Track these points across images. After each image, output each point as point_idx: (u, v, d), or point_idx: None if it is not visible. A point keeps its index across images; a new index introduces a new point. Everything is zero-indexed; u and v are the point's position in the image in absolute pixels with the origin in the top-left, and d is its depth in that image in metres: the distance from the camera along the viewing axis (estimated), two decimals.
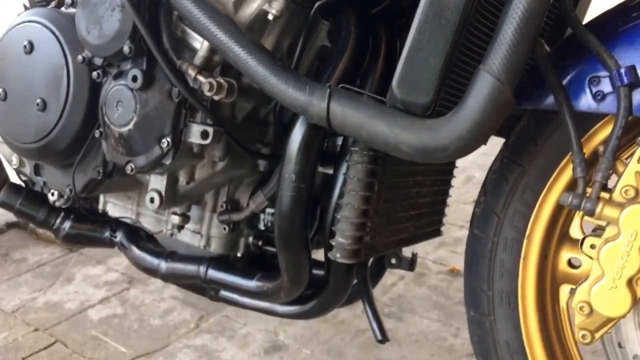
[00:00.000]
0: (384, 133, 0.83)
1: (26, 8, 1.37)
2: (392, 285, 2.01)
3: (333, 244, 1.03)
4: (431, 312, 1.85)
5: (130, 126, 1.07)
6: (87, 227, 1.52)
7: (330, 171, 1.14)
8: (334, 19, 1.12)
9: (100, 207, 1.43)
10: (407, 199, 1.17)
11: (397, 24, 1.14)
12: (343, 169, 1.06)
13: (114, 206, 1.43)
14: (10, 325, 1.78)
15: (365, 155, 1.00)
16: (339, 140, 1.24)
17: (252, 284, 1.26)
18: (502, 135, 1.32)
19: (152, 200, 1.16)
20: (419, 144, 0.82)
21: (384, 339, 1.09)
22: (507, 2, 0.77)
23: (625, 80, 0.84)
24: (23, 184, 1.55)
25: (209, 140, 1.05)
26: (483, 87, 0.78)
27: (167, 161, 1.07)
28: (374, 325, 1.11)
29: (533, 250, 1.02)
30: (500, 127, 1.33)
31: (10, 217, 2.48)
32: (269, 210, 1.27)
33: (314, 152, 1.01)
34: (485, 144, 0.85)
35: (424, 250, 2.26)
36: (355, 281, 1.25)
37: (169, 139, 1.05)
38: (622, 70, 0.84)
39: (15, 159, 1.47)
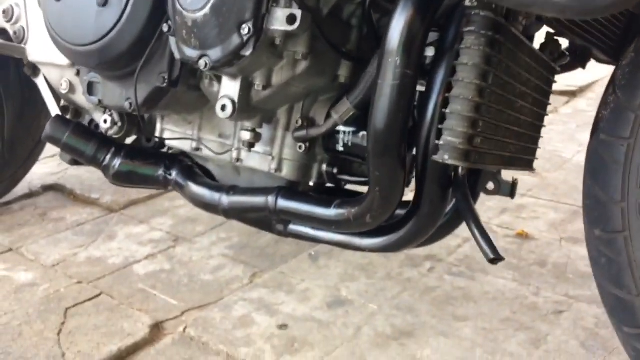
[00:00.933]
0: None
1: None
2: (457, 246, 1.85)
3: (440, 143, 0.89)
4: (505, 272, 1.69)
5: (207, 10, 0.94)
6: (139, 163, 1.40)
7: (421, 88, 1.00)
8: None
9: (157, 135, 1.31)
10: (513, 110, 1.02)
11: None
12: (445, 64, 0.92)
13: (172, 134, 1.30)
14: (51, 278, 1.66)
15: (482, 37, 0.85)
16: (428, 51, 1.10)
17: (330, 212, 1.12)
18: (612, 59, 1.18)
19: (223, 108, 1.03)
20: None
21: (496, 257, 0.94)
22: None
23: None
24: None
25: (296, 26, 0.91)
26: None
27: (247, 52, 0.94)
28: (483, 244, 0.96)
29: None
30: (608, 48, 1.18)
31: (46, 180, 2.38)
32: (348, 129, 1.14)
33: (422, 32, 0.87)
34: None
35: (486, 215, 2.10)
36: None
37: (250, 25, 0.92)
38: None
39: (65, 83, 1.36)
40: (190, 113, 1.24)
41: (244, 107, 1.04)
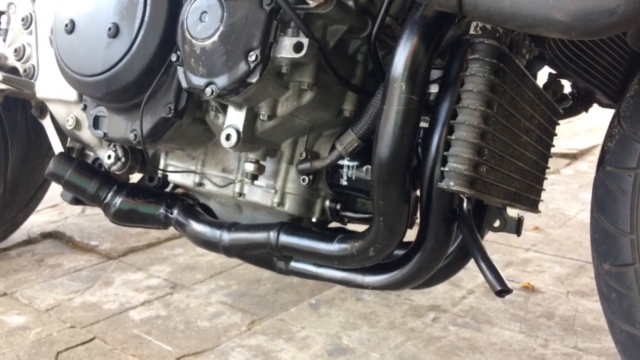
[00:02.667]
0: (532, 0, 0.70)
1: None
2: (462, 298, 1.81)
3: (445, 169, 0.88)
4: (512, 324, 1.64)
5: (215, 38, 0.95)
6: (140, 202, 1.39)
7: (424, 124, 1.00)
8: None
9: (161, 167, 1.30)
10: (518, 144, 1.02)
11: None
12: (450, 93, 0.93)
13: (175, 169, 1.29)
14: (44, 322, 1.62)
15: (486, 64, 0.86)
16: (432, 88, 1.11)
17: (332, 247, 1.10)
18: (614, 102, 1.19)
19: (228, 137, 1.03)
20: (578, 8, 0.68)
21: (503, 289, 0.91)
22: None
23: None
24: None
25: (302, 53, 0.92)
26: None
27: (254, 79, 0.94)
28: (490, 276, 0.93)
29: None
30: (611, 90, 1.19)
31: (45, 227, 2.36)
32: (352, 163, 1.13)
33: (427, 59, 0.88)
34: None
35: None
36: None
37: (257, 52, 0.93)
38: None
39: (71, 119, 1.37)
40: (195, 148, 1.24)
41: (249, 137, 1.04)
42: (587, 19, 0.68)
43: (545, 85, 1.17)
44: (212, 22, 0.95)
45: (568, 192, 3.08)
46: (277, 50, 0.94)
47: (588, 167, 3.75)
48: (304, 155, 1.12)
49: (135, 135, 1.13)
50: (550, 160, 1.19)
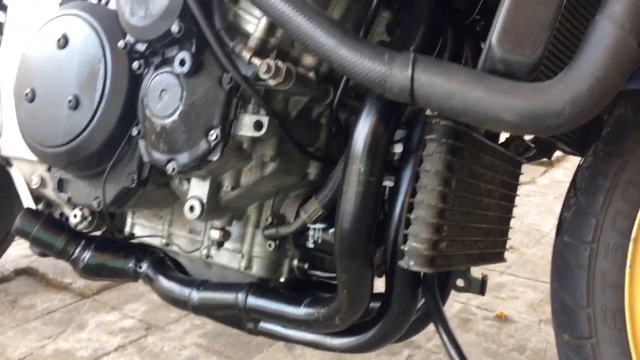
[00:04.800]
0: (482, 100, 0.71)
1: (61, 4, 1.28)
2: (435, 332, 1.82)
3: (405, 248, 0.89)
4: (484, 359, 1.66)
5: (175, 117, 0.95)
6: (109, 256, 1.38)
7: (389, 183, 1.02)
8: (397, 10, 1.04)
9: (127, 229, 1.29)
10: (479, 209, 1.03)
11: (463, 24, 1.05)
12: (410, 169, 0.94)
13: (142, 228, 1.29)
14: None
15: (443, 145, 0.87)
16: (397, 148, 1.13)
17: (300, 311, 1.10)
18: (577, 152, 1.20)
19: (192, 208, 1.03)
20: (526, 109, 0.69)
21: None
22: None
23: None
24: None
25: (262, 132, 0.92)
26: (604, 37, 0.66)
27: (214, 157, 0.94)
28: (452, 350, 0.94)
29: None
30: (572, 142, 1.21)
31: (18, 263, 2.33)
32: (318, 225, 1.14)
33: (385, 139, 0.88)
34: (604, 107, 0.72)
35: (465, 295, 2.09)
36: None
37: (217, 131, 0.93)
38: None
39: (36, 178, 1.35)
40: (161, 208, 1.23)
41: (213, 208, 1.04)
42: (535, 119, 0.69)
43: (507, 141, 1.19)
44: (171, 101, 0.95)
45: (543, 205, 3.12)
46: (238, 127, 0.94)
47: (564, 175, 3.80)
48: (269, 220, 1.13)
49: (99, 203, 1.12)
50: (525, 168, 1.19)
